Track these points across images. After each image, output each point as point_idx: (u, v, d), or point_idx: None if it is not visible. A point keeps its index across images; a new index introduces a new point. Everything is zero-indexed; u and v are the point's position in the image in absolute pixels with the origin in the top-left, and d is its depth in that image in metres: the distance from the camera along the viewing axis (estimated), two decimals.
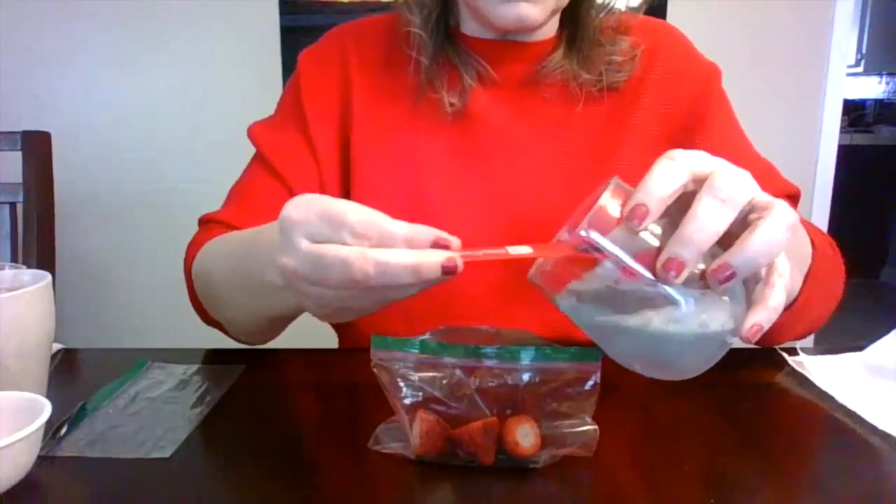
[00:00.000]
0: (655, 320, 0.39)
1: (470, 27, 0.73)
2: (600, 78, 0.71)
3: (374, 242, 0.38)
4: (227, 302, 0.61)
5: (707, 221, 0.37)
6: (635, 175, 0.75)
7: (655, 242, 0.39)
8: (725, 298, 0.39)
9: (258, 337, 0.68)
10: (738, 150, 0.74)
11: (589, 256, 0.38)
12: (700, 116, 0.72)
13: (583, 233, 0.38)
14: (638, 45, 0.72)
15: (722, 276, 0.37)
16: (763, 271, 0.41)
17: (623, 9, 0.74)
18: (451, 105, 0.70)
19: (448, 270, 0.37)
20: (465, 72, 0.71)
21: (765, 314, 0.39)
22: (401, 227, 0.38)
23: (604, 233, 0.38)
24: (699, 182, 0.39)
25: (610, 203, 0.39)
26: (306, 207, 0.39)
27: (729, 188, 0.38)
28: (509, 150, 0.71)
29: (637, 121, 0.72)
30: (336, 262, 0.38)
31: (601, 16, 0.72)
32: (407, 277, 0.37)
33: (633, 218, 0.38)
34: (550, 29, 0.73)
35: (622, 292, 0.40)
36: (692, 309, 0.39)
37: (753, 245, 0.37)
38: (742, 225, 0.38)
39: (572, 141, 0.72)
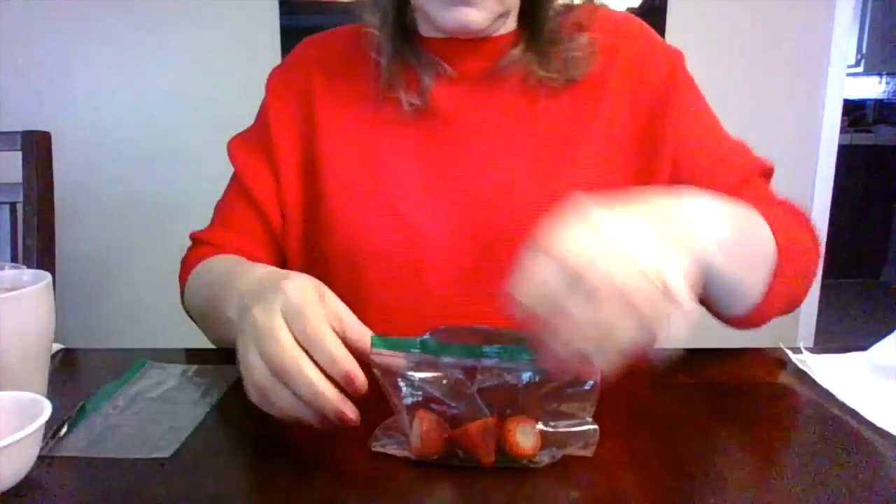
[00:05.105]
0: None
1: (425, 28, 0.74)
2: (559, 74, 0.71)
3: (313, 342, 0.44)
4: (201, 323, 0.71)
5: None
6: (599, 168, 0.75)
7: None
8: None
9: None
10: (707, 132, 0.74)
11: None
12: (667, 102, 0.72)
13: None
14: (596, 41, 0.72)
15: None
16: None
17: (594, 1, 0.74)
18: (411, 104, 0.72)
19: (343, 420, 0.44)
20: (423, 72, 0.72)
21: None
22: (339, 349, 0.44)
23: None
24: None
25: None
26: (303, 293, 0.46)
27: None
28: (472, 144, 0.72)
29: (602, 112, 0.71)
30: (279, 345, 0.43)
31: (559, 13, 0.71)
32: (307, 390, 0.43)
33: None
34: (507, 25, 0.73)
35: None
36: None
37: None
38: None
39: (536, 134, 0.72)
